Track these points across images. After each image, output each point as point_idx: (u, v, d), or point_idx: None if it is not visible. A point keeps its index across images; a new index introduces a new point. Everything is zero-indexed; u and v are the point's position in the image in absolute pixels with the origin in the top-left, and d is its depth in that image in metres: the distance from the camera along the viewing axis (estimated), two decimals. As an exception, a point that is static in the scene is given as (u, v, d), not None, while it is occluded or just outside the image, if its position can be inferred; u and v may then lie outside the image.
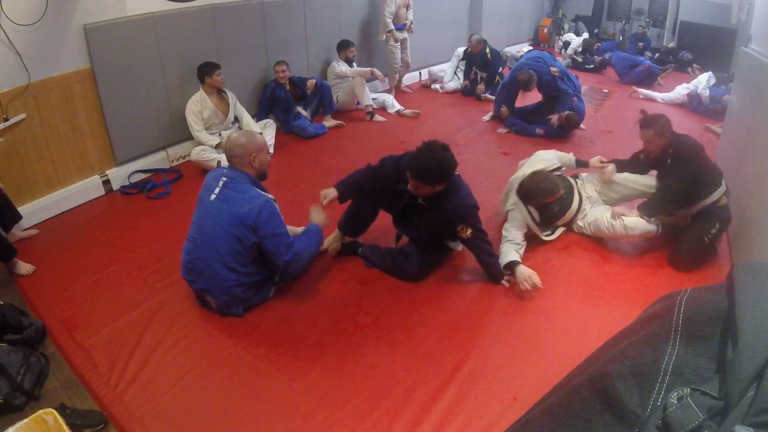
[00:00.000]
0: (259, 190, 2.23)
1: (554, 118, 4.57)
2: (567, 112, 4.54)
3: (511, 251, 2.62)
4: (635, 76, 6.69)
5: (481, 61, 5.90)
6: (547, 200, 2.82)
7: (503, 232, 2.79)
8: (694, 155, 2.73)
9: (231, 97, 3.98)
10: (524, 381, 2.01)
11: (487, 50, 5.83)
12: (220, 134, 3.94)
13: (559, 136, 4.65)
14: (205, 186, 2.29)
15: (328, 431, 1.81)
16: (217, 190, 2.21)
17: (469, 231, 2.45)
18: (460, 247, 2.74)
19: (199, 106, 3.81)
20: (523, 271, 2.48)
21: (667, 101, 5.92)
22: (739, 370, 0.74)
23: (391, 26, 5.38)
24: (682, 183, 2.72)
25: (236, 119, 4.08)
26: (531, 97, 5.02)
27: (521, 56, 5.83)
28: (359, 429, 1.82)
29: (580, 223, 2.98)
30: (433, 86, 6.28)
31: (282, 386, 1.99)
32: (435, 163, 2.24)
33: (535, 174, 2.88)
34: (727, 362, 0.78)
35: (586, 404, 0.87)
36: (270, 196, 2.23)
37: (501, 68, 6.09)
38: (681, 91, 5.87)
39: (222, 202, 2.18)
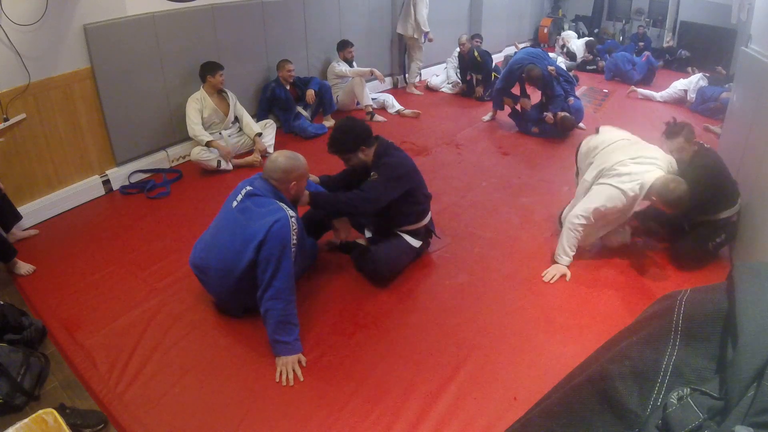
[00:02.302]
0: (280, 204, 2.09)
1: (548, 116, 4.59)
2: (561, 114, 4.56)
3: (571, 253, 2.64)
4: (639, 71, 6.72)
5: (470, 63, 5.89)
6: (672, 211, 2.53)
7: (581, 214, 2.55)
8: (711, 178, 2.67)
9: (231, 97, 3.98)
10: (524, 381, 2.01)
11: (475, 53, 5.82)
12: (220, 133, 3.94)
13: (555, 135, 4.65)
14: (234, 190, 2.25)
15: (328, 431, 1.81)
16: (239, 197, 2.16)
17: (374, 176, 2.44)
18: (417, 243, 2.66)
19: (199, 104, 3.80)
20: (561, 269, 2.65)
21: (665, 98, 5.94)
22: (739, 370, 0.74)
23: (428, 27, 5.72)
24: (690, 201, 2.62)
25: (236, 119, 4.08)
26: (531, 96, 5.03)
27: (515, 53, 5.84)
28: (359, 429, 1.82)
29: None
30: (443, 89, 6.25)
31: (282, 386, 1.99)
32: (339, 132, 2.46)
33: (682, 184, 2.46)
34: (727, 362, 0.78)
35: (586, 404, 0.87)
36: (291, 212, 2.07)
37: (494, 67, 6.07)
38: (677, 86, 5.90)
39: (240, 212, 2.12)
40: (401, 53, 6.17)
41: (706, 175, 2.67)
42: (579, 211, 2.60)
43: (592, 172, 2.70)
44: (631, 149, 2.67)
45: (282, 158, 2.19)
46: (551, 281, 2.63)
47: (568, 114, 4.59)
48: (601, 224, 2.68)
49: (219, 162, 3.79)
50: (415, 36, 5.83)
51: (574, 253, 2.67)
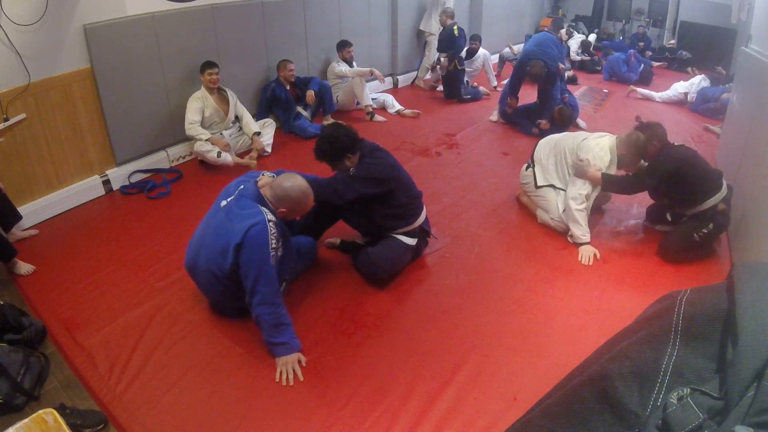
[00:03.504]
0: (261, 208, 2.07)
1: (543, 123, 4.59)
2: (559, 107, 4.56)
3: (586, 231, 2.89)
4: (633, 71, 6.72)
5: (446, 38, 5.57)
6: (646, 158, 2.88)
7: (576, 197, 2.87)
8: (688, 169, 2.72)
9: (231, 96, 3.98)
10: (524, 381, 2.01)
11: (455, 27, 5.56)
12: (221, 133, 3.93)
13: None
14: (226, 188, 2.25)
15: (328, 431, 1.81)
16: (229, 200, 2.15)
17: (351, 171, 2.46)
18: (413, 241, 2.66)
19: (200, 103, 3.79)
20: (590, 249, 2.86)
21: (665, 100, 5.94)
22: (739, 370, 0.74)
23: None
24: (653, 181, 2.79)
25: (236, 118, 4.07)
26: (525, 97, 5.03)
27: (527, 39, 5.67)
28: (359, 429, 1.82)
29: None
30: (440, 88, 6.18)
31: (282, 386, 1.99)
32: (324, 141, 2.45)
33: None
34: (727, 362, 0.78)
35: (586, 404, 0.87)
36: (270, 216, 2.05)
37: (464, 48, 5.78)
38: (678, 88, 5.89)
39: (226, 213, 2.11)
40: (422, 50, 6.35)
41: (682, 168, 2.71)
42: (573, 195, 2.90)
43: (566, 157, 3.05)
44: (582, 133, 3.17)
45: (296, 186, 2.11)
46: (589, 263, 2.79)
47: (564, 106, 4.58)
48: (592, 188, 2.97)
49: (219, 153, 3.77)
50: (432, 31, 6.07)
51: (587, 227, 2.91)
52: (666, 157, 2.77)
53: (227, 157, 3.81)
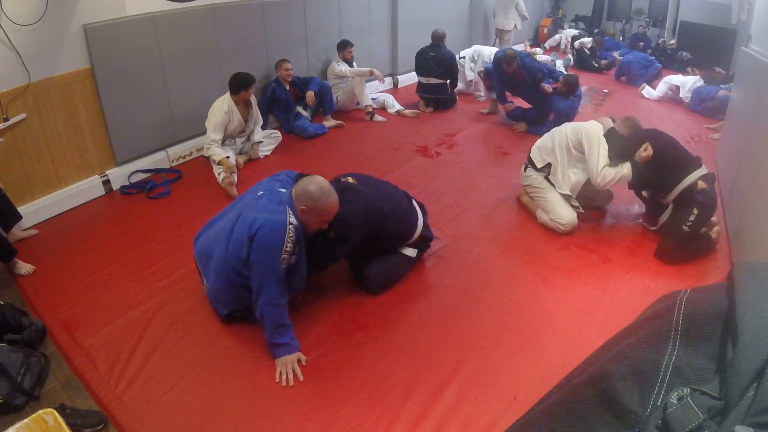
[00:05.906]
0: (288, 208, 2.04)
1: (546, 87, 4.59)
2: (563, 75, 4.61)
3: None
4: (650, 77, 6.70)
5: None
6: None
7: (605, 166, 2.91)
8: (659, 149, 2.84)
9: (254, 104, 3.90)
10: (524, 381, 2.01)
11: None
12: (234, 140, 3.92)
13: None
14: (266, 179, 2.27)
15: (328, 431, 1.81)
16: (264, 192, 2.15)
17: (332, 234, 2.25)
18: (414, 252, 2.62)
19: (227, 117, 3.69)
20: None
21: (661, 93, 5.98)
22: (739, 370, 0.74)
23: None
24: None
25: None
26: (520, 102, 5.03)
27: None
28: (359, 429, 1.82)
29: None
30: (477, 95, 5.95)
31: (282, 386, 1.99)
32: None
33: None
34: (727, 362, 0.78)
35: (586, 404, 0.87)
36: (292, 219, 2.02)
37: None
38: (672, 80, 5.92)
39: (254, 203, 2.10)
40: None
41: (659, 146, 2.83)
42: (601, 167, 2.90)
43: (568, 137, 3.09)
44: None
45: (314, 186, 2.07)
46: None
47: (568, 73, 4.61)
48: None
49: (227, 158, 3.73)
50: (518, 27, 6.84)
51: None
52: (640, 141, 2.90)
53: (232, 163, 3.74)
